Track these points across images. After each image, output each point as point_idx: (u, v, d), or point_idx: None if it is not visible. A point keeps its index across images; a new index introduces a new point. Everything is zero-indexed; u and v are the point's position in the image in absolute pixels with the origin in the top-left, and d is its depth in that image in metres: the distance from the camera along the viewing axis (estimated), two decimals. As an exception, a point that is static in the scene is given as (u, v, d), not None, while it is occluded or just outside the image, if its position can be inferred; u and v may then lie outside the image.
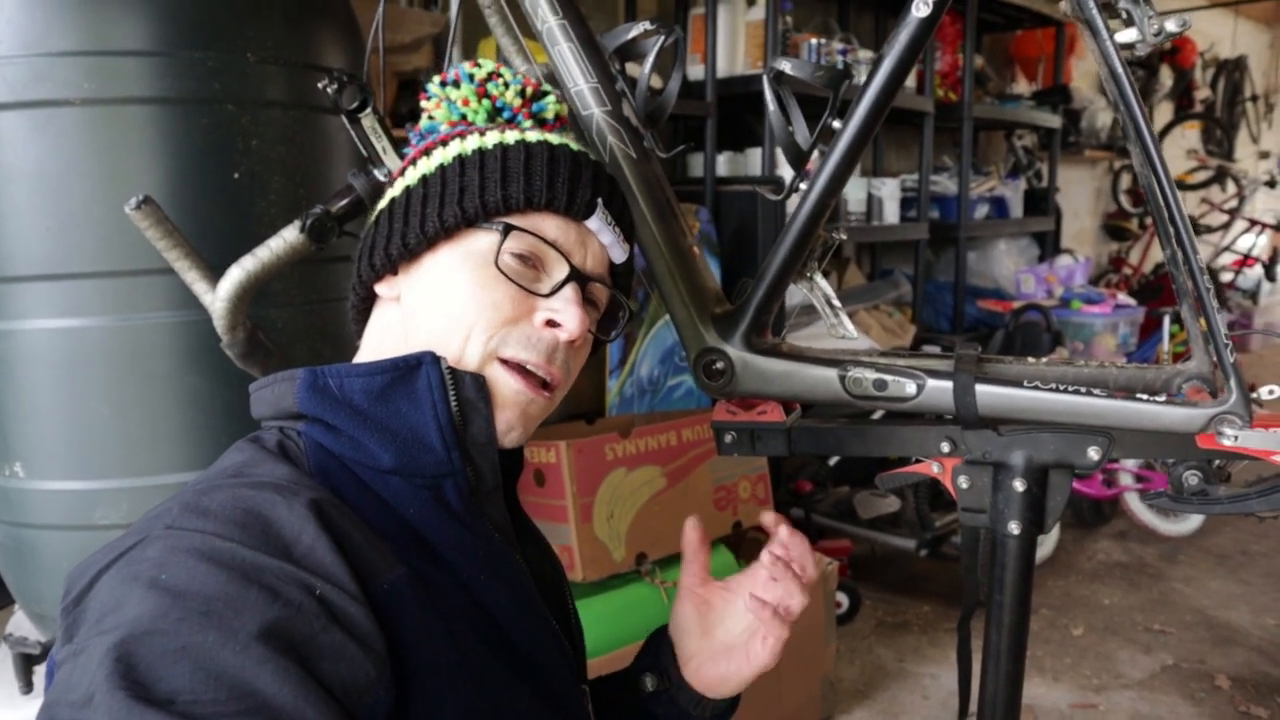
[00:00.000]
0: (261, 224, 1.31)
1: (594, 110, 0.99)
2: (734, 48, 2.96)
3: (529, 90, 0.80)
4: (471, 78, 0.78)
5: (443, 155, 0.74)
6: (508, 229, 0.70)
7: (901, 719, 2.26)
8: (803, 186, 0.98)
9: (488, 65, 0.80)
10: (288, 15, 1.37)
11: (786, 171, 2.85)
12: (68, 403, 1.31)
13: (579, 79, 0.99)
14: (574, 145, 0.76)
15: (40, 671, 1.43)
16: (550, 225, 0.72)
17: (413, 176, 0.75)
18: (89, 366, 1.30)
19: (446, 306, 0.70)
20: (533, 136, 0.74)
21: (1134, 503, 3.25)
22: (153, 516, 0.60)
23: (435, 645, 0.61)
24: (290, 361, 1.10)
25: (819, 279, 1.02)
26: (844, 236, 1.05)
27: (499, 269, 0.69)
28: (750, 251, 2.72)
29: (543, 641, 0.73)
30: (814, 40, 3.01)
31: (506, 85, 0.79)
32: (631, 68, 1.04)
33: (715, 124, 2.80)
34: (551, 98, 0.82)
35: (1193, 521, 3.31)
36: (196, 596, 0.52)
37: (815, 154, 0.96)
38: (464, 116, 0.78)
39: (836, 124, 0.95)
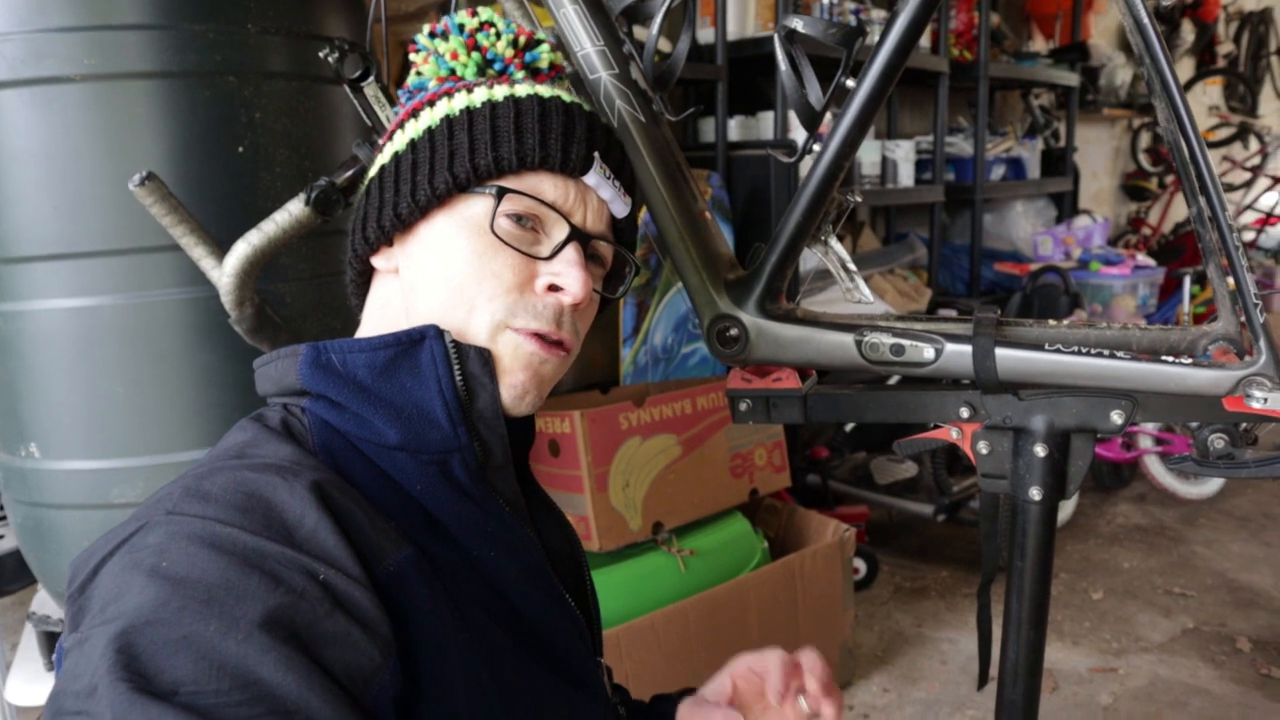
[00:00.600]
0: (267, 197, 1.30)
1: (601, 74, 0.97)
2: (744, 9, 2.90)
3: (522, 40, 0.77)
4: (462, 28, 0.75)
5: (430, 117, 0.71)
6: (501, 192, 0.67)
7: (920, 684, 2.26)
8: (816, 148, 0.96)
9: (484, 13, 0.76)
10: (289, -16, 1.34)
11: (800, 135, 2.81)
12: (80, 382, 1.31)
13: (585, 42, 0.97)
14: (567, 97, 0.72)
15: (63, 648, 1.44)
16: (547, 184, 0.69)
17: (401, 142, 0.72)
18: (100, 345, 1.29)
19: (447, 277, 0.68)
20: (522, 91, 0.71)
21: (1154, 466, 3.22)
22: (154, 501, 0.59)
23: (444, 625, 0.60)
24: (299, 336, 1.09)
25: (834, 243, 1.00)
26: (859, 199, 1.02)
27: (495, 235, 0.67)
28: (764, 217, 2.69)
29: (555, 616, 0.72)
30: (826, 0, 2.95)
31: (498, 35, 0.75)
32: (639, 32, 1.01)
33: (726, 88, 2.75)
34: (545, 46, 0.78)
35: (1213, 484, 3.28)
36: (197, 584, 0.51)
37: (828, 115, 0.94)
38: (453, 71, 0.75)
39: (850, 83, 0.93)
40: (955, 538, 3.04)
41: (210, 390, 1.33)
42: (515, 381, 0.68)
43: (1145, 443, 3.20)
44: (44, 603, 1.58)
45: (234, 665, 0.49)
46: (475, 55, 0.75)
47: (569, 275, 0.68)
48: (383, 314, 0.73)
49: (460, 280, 0.67)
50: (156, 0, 1.23)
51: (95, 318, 1.29)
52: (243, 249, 1.03)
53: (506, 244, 0.67)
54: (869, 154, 3.21)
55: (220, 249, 1.05)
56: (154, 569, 0.52)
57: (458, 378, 0.66)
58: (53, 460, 1.34)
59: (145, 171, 1.00)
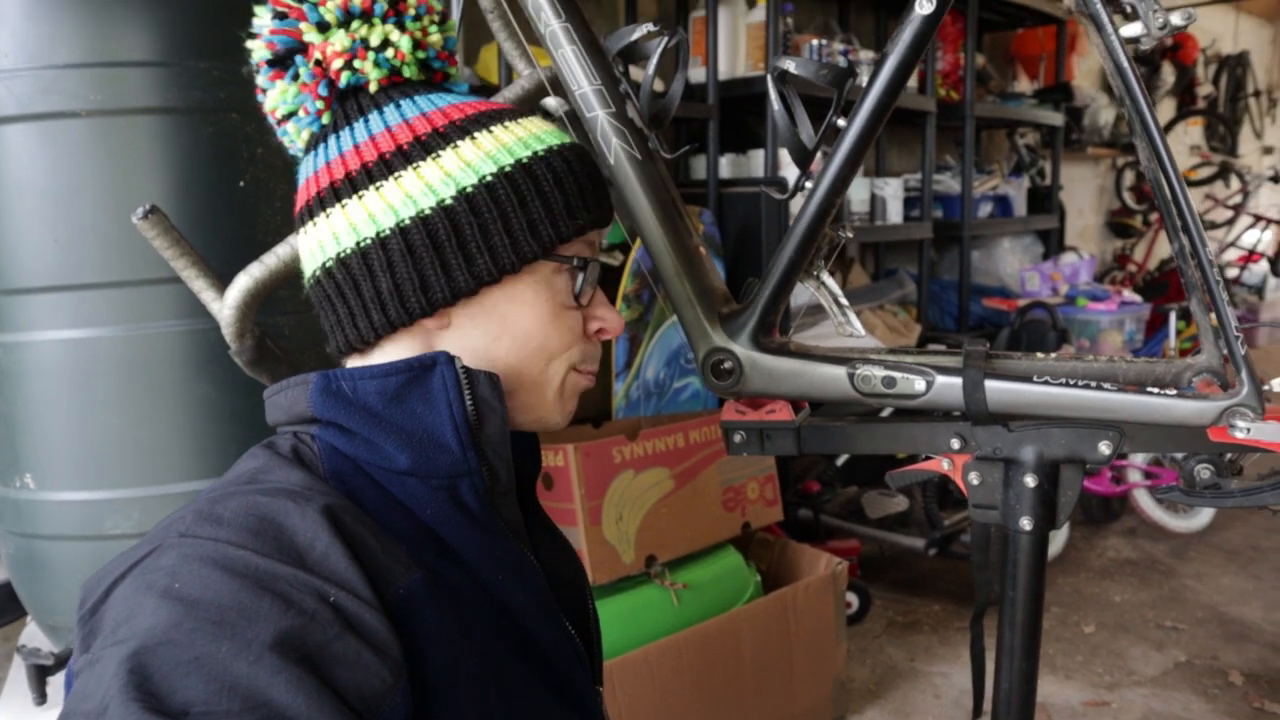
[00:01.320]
0: (267, 231, 1.32)
1: (598, 112, 0.99)
2: (735, 50, 2.96)
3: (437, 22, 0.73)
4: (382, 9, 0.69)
5: (475, 166, 0.66)
6: (584, 263, 0.73)
7: (913, 718, 2.25)
8: (808, 186, 0.98)
9: None
10: (291, 24, 1.37)
11: (790, 173, 2.85)
12: (77, 413, 1.31)
13: (583, 81, 0.99)
14: (570, 139, 0.75)
15: (53, 683, 1.43)
16: (584, 242, 0.75)
17: (442, 193, 0.65)
18: (98, 377, 1.30)
19: (529, 336, 0.72)
20: (553, 140, 0.71)
21: (1143, 499, 3.24)
22: (167, 524, 0.60)
23: (453, 648, 0.61)
24: (298, 368, 1.10)
25: (826, 278, 1.02)
26: (850, 235, 1.05)
27: (579, 303, 0.74)
28: (754, 253, 2.72)
29: (558, 641, 0.73)
30: (815, 41, 3.01)
31: (419, 18, 0.71)
32: (635, 71, 1.04)
33: (718, 126, 2.80)
34: (450, 23, 0.75)
35: (1202, 517, 3.29)
36: (210, 606, 0.52)
37: (820, 153, 0.96)
38: (396, 70, 0.70)
39: (841, 122, 0.95)
40: (947, 572, 3.04)
41: (207, 422, 1.33)
42: (570, 408, 0.77)
43: (1134, 476, 3.22)
44: (34, 635, 1.57)
45: (245, 686, 0.49)
46: (418, 53, 0.72)
47: (610, 318, 0.77)
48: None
49: (540, 340, 0.72)
50: (161, 38, 1.26)
51: (93, 349, 1.30)
52: (244, 281, 1.05)
53: (580, 307, 0.75)
54: (858, 191, 3.25)
55: (221, 282, 1.07)
56: (166, 590, 0.52)
57: (468, 402, 0.66)
58: (47, 491, 1.34)
59: (149, 205, 1.01)
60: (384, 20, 0.70)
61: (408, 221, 0.66)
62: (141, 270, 1.28)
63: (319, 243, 0.70)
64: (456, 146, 0.68)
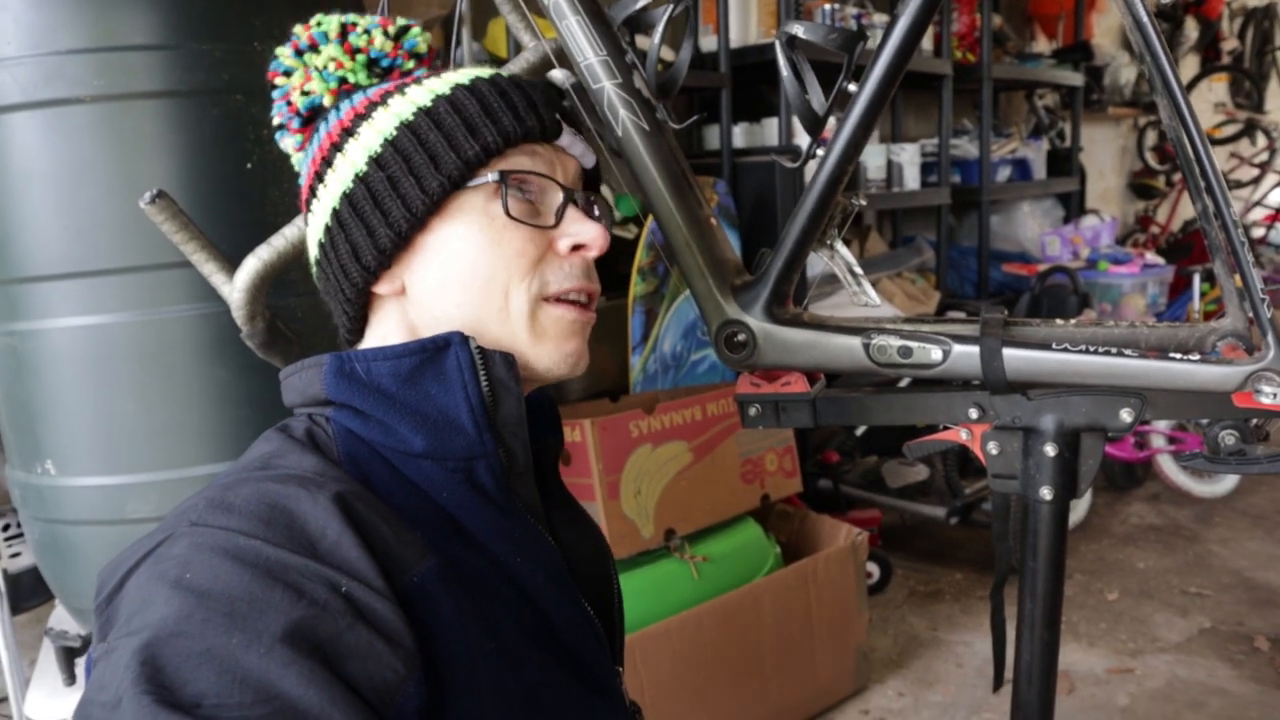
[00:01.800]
0: (276, 212, 1.31)
1: (605, 83, 0.97)
2: (746, 17, 2.92)
3: (392, 30, 0.76)
4: (327, 37, 0.73)
5: (380, 129, 0.69)
6: (504, 176, 0.68)
7: (936, 687, 2.26)
8: (820, 153, 0.96)
9: (333, 20, 0.74)
10: (295, 3, 1.36)
11: (804, 140, 2.81)
12: (94, 399, 1.32)
13: (588, 52, 0.97)
14: (506, 73, 0.74)
15: (81, 664, 1.45)
16: (527, 157, 0.70)
17: (359, 161, 0.69)
18: (113, 363, 1.31)
19: (471, 275, 0.68)
20: (464, 77, 0.71)
21: (1167, 465, 3.21)
22: (180, 512, 0.59)
23: (469, 635, 0.60)
24: (310, 349, 1.10)
25: (840, 246, 1.00)
26: (864, 203, 1.03)
27: (511, 217, 0.68)
28: (770, 223, 2.69)
29: (576, 623, 0.72)
30: (828, 5, 2.96)
31: (368, 32, 0.74)
32: (642, 41, 1.02)
33: (730, 95, 2.76)
34: (415, 29, 0.77)
35: (1227, 482, 3.26)
36: (221, 597, 0.51)
37: (831, 119, 0.94)
38: (343, 80, 0.73)
39: (852, 87, 0.93)
40: (968, 540, 3.03)
41: (222, 405, 1.34)
42: (570, 349, 0.71)
43: (1158, 442, 3.18)
44: (61, 618, 1.59)
45: (256, 679, 0.49)
46: (360, 58, 0.74)
47: (586, 230, 0.70)
48: (398, 337, 0.71)
49: (487, 272, 0.67)
50: (164, 21, 1.25)
51: (107, 335, 1.30)
52: (253, 264, 1.04)
53: (523, 222, 0.68)
54: (874, 158, 3.21)
55: (230, 265, 1.06)
56: (178, 581, 0.52)
57: (483, 383, 0.66)
58: (68, 477, 1.35)
59: (156, 190, 1.01)
60: (334, 43, 0.73)
61: (338, 202, 0.70)
62: (153, 255, 1.28)
63: (311, 239, 0.75)
64: (371, 119, 0.70)
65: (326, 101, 0.73)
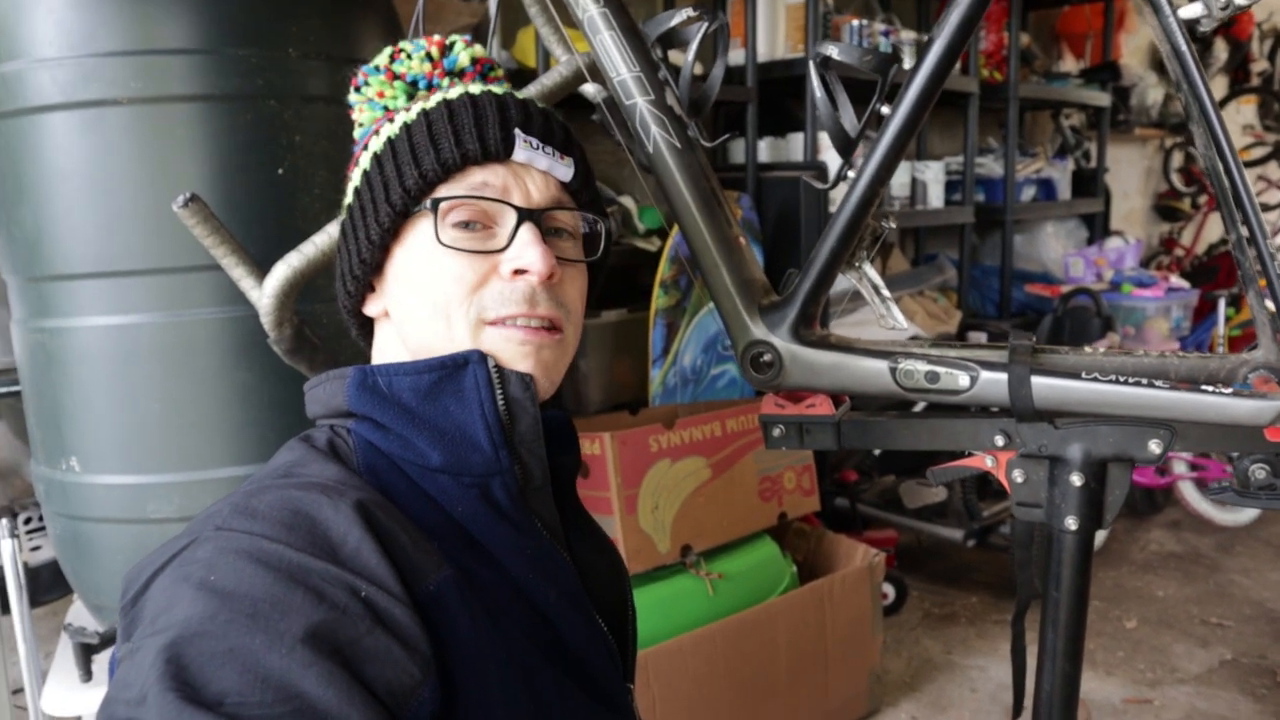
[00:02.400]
0: (306, 219, 1.32)
1: (637, 99, 0.97)
2: (774, 31, 2.92)
3: (435, 50, 0.77)
4: (377, 68, 0.76)
5: (365, 159, 0.73)
6: (435, 204, 0.68)
7: (950, 712, 2.23)
8: (850, 174, 0.96)
9: (385, 51, 0.77)
10: (329, 10, 1.37)
11: (828, 156, 2.81)
12: (120, 398, 1.33)
13: (621, 68, 0.98)
14: (476, 89, 0.73)
15: (98, 660, 1.46)
16: (478, 178, 0.70)
17: (349, 193, 0.75)
18: (140, 363, 1.32)
19: (421, 302, 0.69)
20: (432, 101, 0.72)
21: (1188, 491, 3.17)
22: (205, 517, 0.61)
23: (483, 646, 0.61)
24: (335, 356, 1.11)
25: (868, 268, 1.00)
26: (893, 225, 1.02)
27: (444, 245, 0.68)
28: (793, 238, 2.69)
29: (589, 639, 0.72)
30: (856, 22, 2.96)
31: (409, 56, 0.76)
32: (674, 56, 1.02)
33: (756, 109, 2.76)
34: (459, 45, 0.78)
35: (1249, 511, 3.22)
36: (244, 598, 0.52)
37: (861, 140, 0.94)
38: (386, 108, 0.76)
39: (885, 110, 0.93)
40: (985, 563, 3.00)
41: (246, 408, 1.35)
42: (523, 370, 0.69)
43: (1180, 468, 3.15)
44: (79, 614, 1.60)
45: (278, 678, 0.50)
46: (399, 84, 0.76)
47: (527, 254, 0.68)
48: (390, 357, 0.74)
49: (432, 299, 0.69)
50: (201, 26, 1.26)
51: (135, 335, 1.31)
52: (283, 270, 1.05)
53: (459, 249, 0.68)
54: (898, 175, 3.20)
55: (260, 270, 1.07)
56: (202, 582, 0.54)
57: (500, 402, 0.67)
58: (92, 474, 1.36)
59: (189, 193, 1.02)
60: (381, 73, 0.77)
61: (339, 226, 0.77)
62: (182, 257, 1.29)
63: None
64: (368, 148, 0.74)
65: (372, 129, 0.76)
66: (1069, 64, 4.66)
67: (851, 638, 2.09)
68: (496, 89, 0.74)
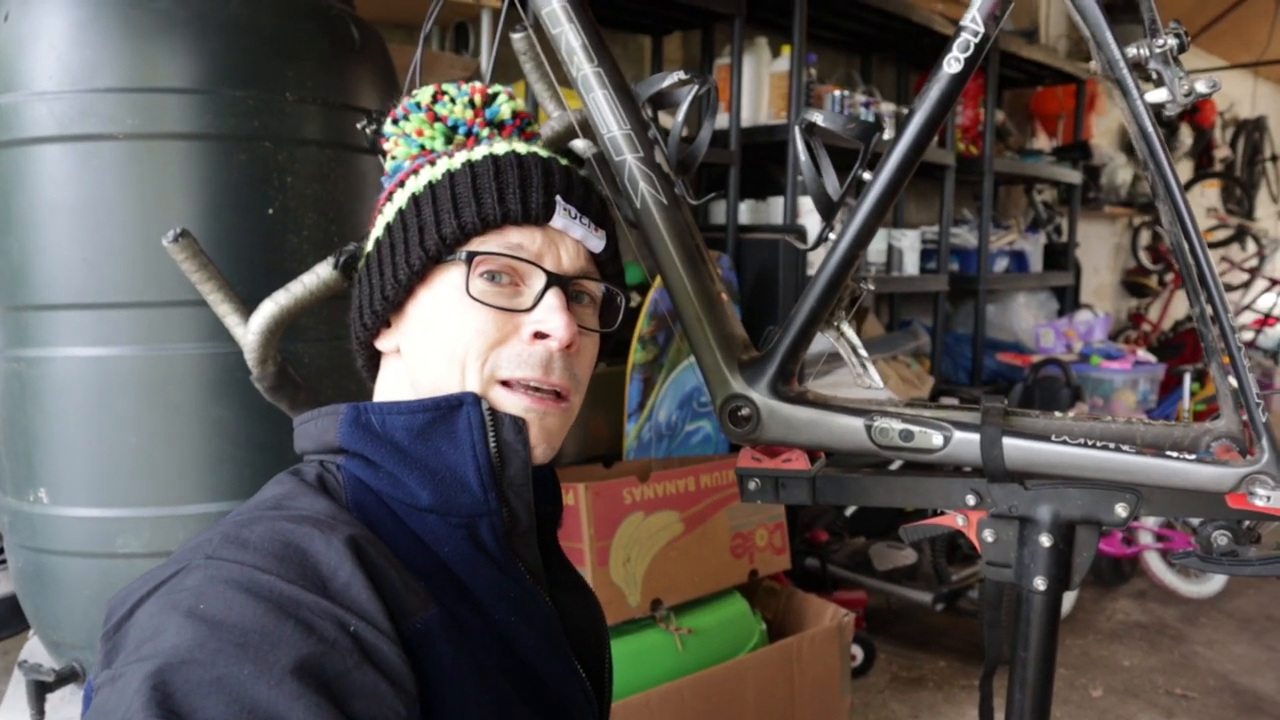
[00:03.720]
0: (294, 259, 1.33)
1: (627, 156, 1.00)
2: (758, 98, 3.00)
3: (478, 99, 0.78)
4: (419, 105, 0.78)
5: (402, 197, 0.74)
6: (470, 257, 0.69)
7: (916, 778, 2.22)
8: (831, 236, 0.99)
9: (428, 90, 0.78)
10: (326, 57, 1.40)
11: (808, 220, 2.87)
12: (94, 430, 1.32)
13: (612, 125, 1.01)
14: (523, 149, 0.74)
15: (52, 699, 1.42)
16: (514, 238, 0.71)
17: (380, 226, 0.75)
18: (117, 395, 1.31)
19: (438, 347, 0.70)
20: (479, 153, 0.73)
21: (1154, 562, 3.20)
22: (193, 546, 0.60)
23: (465, 685, 0.61)
24: (316, 395, 1.11)
25: (846, 328, 1.02)
26: (872, 288, 1.05)
27: (473, 298, 0.69)
28: (771, 299, 2.73)
29: (566, 681, 0.72)
30: (838, 92, 3.05)
31: (454, 100, 0.78)
32: (664, 120, 1.05)
33: (739, 172, 2.82)
34: (503, 97, 0.80)
35: (1214, 583, 3.25)
36: (233, 628, 0.52)
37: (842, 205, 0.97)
38: (423, 146, 0.77)
39: (867, 175, 0.96)
40: (954, 628, 3.00)
41: (222, 444, 1.34)
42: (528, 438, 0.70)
43: (1146, 538, 3.18)
44: (35, 650, 1.56)
45: (264, 710, 0.49)
46: (439, 126, 0.77)
47: (552, 320, 0.69)
48: (392, 393, 0.75)
49: (450, 347, 0.69)
50: (201, 66, 1.28)
51: (114, 367, 1.31)
52: (270, 308, 1.06)
53: (485, 303, 0.69)
54: (875, 242, 3.26)
55: (246, 307, 1.08)
56: (191, 610, 0.53)
57: (492, 445, 0.67)
58: (60, 506, 1.34)
59: (179, 228, 1.03)
60: (421, 111, 0.78)
61: (366, 259, 0.78)
62: (165, 292, 1.29)
63: None
64: (404, 186, 0.75)
65: (407, 166, 0.77)
66: (1042, 142, 4.81)
67: (820, 697, 2.07)
68: (541, 151, 0.75)
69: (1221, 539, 0.91)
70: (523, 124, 0.81)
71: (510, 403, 0.69)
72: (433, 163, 0.74)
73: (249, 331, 1.07)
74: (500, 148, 0.73)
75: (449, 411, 0.67)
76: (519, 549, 0.72)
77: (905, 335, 3.63)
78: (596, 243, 0.75)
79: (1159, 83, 0.89)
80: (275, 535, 0.59)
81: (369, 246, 0.76)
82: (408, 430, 0.67)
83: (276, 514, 0.62)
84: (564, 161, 0.76)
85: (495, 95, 0.80)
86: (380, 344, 0.75)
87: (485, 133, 0.78)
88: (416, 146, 0.77)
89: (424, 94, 0.78)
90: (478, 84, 0.80)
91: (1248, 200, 6.83)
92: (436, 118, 0.77)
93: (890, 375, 3.37)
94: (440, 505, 0.67)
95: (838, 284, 0.98)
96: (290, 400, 1.12)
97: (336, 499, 0.67)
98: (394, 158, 0.78)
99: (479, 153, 0.73)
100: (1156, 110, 0.90)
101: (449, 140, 0.78)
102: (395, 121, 0.78)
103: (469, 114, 0.78)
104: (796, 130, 0.97)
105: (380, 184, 0.81)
